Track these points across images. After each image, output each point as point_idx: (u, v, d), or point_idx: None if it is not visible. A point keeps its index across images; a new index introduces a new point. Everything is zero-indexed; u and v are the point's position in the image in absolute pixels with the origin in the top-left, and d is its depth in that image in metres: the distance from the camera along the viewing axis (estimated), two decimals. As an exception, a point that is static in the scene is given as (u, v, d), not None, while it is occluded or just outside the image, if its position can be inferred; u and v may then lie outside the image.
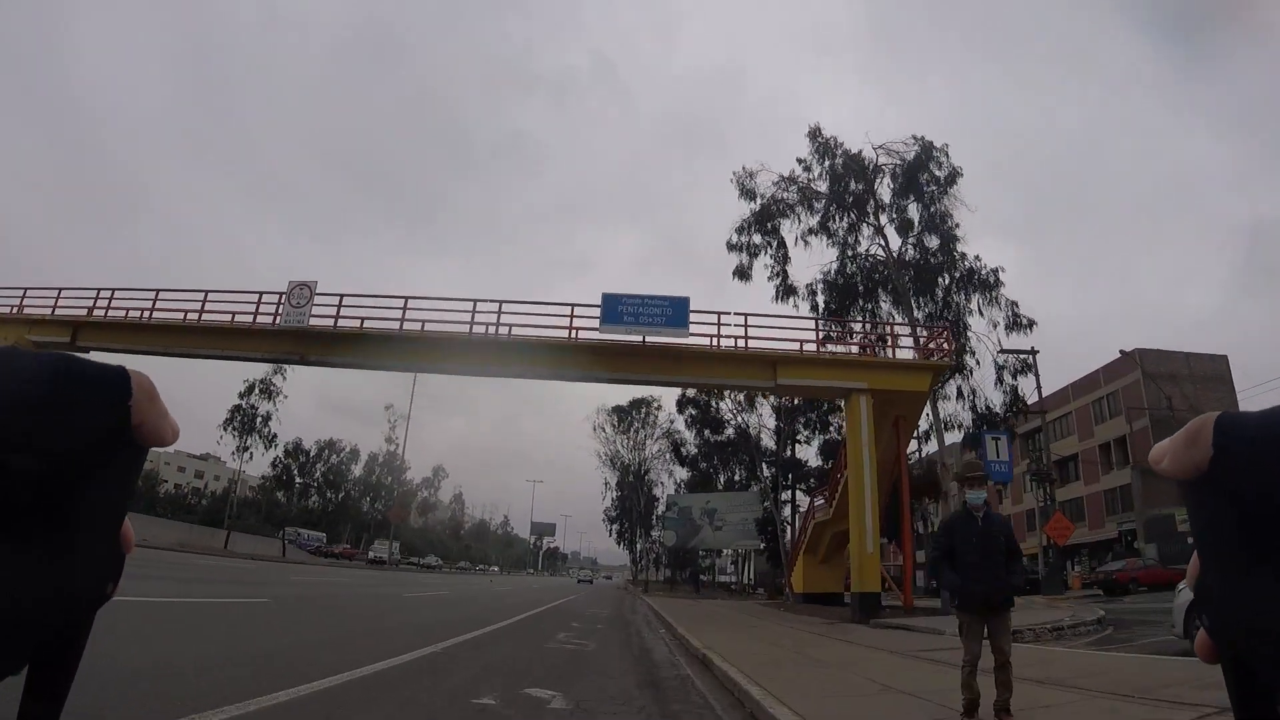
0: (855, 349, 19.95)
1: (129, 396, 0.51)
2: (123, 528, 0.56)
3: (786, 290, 23.09)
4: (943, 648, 9.51)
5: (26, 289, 22.10)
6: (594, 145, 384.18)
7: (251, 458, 38.33)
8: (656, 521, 50.54)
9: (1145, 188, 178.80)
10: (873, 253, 23.83)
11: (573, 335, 17.15)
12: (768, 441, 36.67)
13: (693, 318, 17.07)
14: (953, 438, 23.40)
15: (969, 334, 21.59)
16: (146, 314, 19.96)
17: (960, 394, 21.49)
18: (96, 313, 20.71)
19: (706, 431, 38.38)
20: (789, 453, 34.98)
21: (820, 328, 19.23)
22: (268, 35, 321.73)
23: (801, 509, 35.88)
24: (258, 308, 18.75)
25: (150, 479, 48.64)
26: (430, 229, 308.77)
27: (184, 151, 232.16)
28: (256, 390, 37.75)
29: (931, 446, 28.79)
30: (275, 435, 39.09)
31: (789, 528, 32.78)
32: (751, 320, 17.35)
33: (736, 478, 42.56)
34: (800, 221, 23.16)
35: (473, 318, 17.23)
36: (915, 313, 22.02)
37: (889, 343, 19.10)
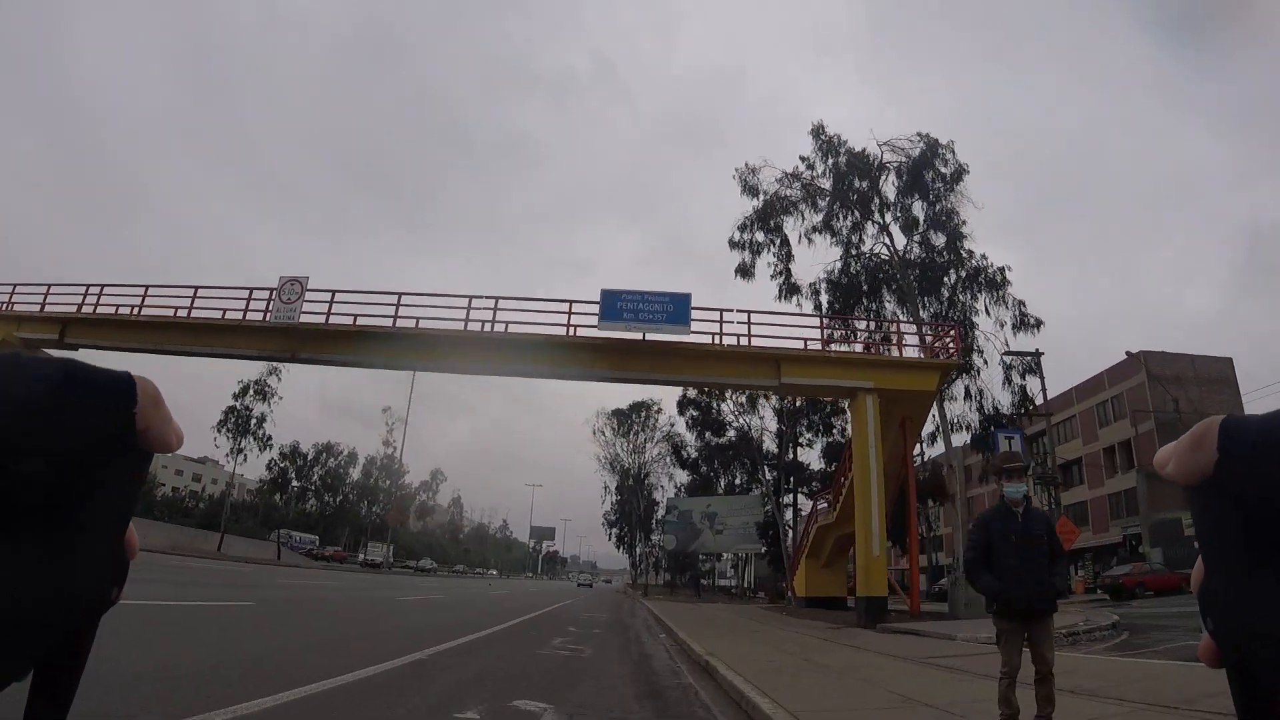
0: (859, 348, 19.55)
1: (134, 403, 0.49)
2: (127, 533, 0.55)
3: (790, 289, 22.71)
4: (955, 654, 9.08)
5: (16, 285, 21.77)
6: (594, 145, 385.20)
7: (246, 460, 37.91)
8: (656, 525, 50.06)
9: (1145, 187, 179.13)
10: (877, 251, 23.47)
11: (570, 333, 16.74)
12: (769, 444, 36.21)
13: (694, 315, 16.65)
14: (958, 440, 22.95)
15: (976, 332, 21.18)
16: (136, 310, 19.57)
17: (968, 393, 21.09)
18: (85, 309, 20.39)
19: (708, 434, 37.89)
20: (791, 456, 34.49)
21: (825, 326, 18.76)
22: (268, 35, 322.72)
23: (803, 512, 35.44)
24: (248, 304, 18.35)
25: (147, 482, 47.98)
26: (430, 229, 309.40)
27: (184, 151, 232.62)
28: (251, 391, 37.34)
29: (935, 450, 28.46)
30: (270, 437, 38.63)
31: (790, 531, 32.29)
32: (755, 317, 16.95)
33: (737, 481, 42.10)
34: (804, 219, 22.82)
35: (468, 314, 16.82)
36: (921, 312, 21.62)
37: (894, 342, 18.70)
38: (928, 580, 32.73)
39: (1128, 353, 35.92)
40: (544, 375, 18.05)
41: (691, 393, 35.81)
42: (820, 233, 22.57)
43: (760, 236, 22.83)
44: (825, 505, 24.07)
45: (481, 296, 16.95)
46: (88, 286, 20.78)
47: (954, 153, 22.56)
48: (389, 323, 17.37)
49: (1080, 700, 5.03)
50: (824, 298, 23.07)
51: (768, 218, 22.67)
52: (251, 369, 38.10)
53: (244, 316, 18.29)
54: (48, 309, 20.84)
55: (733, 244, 23.04)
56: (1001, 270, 22.40)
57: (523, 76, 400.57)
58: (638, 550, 54.60)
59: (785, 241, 22.85)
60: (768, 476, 35.66)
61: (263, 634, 7.69)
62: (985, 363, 21.12)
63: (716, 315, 16.70)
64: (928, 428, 21.26)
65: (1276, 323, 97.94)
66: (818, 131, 23.94)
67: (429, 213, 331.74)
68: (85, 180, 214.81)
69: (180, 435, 0.56)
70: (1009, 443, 12.60)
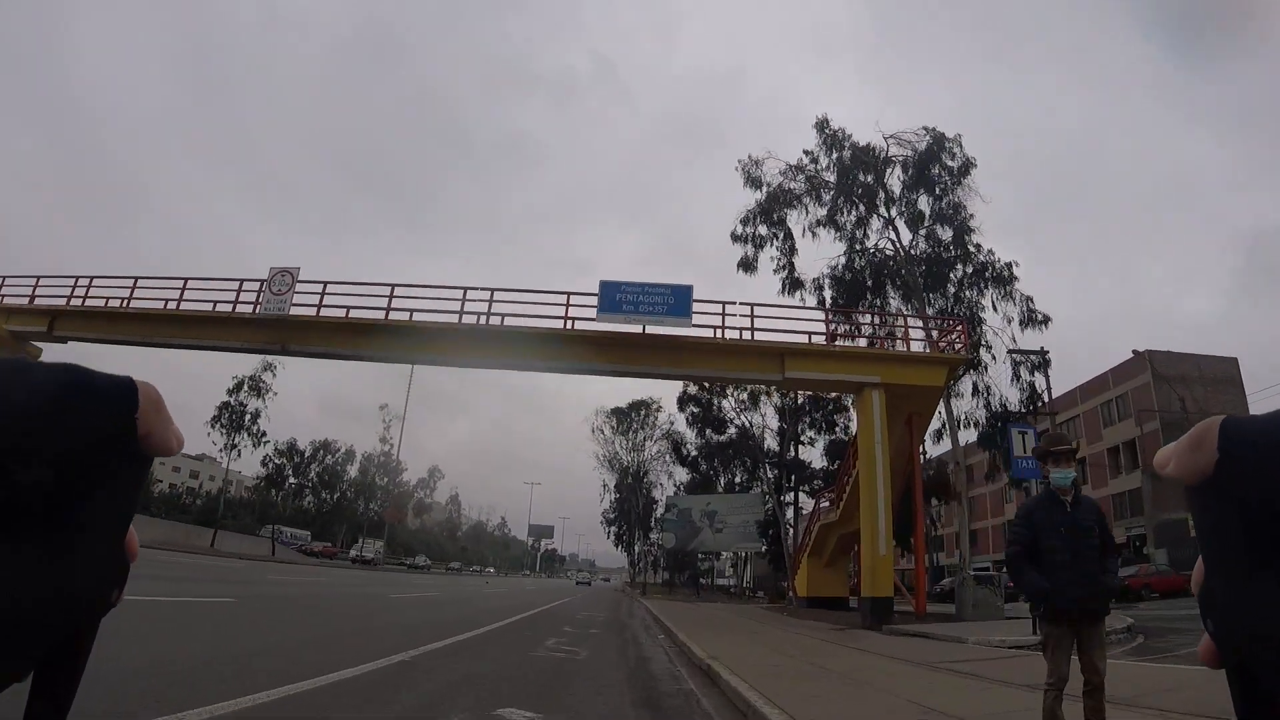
0: (864, 344, 19.11)
1: (135, 408, 0.51)
2: (128, 535, 0.56)
3: (793, 283, 22.26)
4: (970, 658, 8.65)
5: (5, 277, 21.35)
6: (594, 145, 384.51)
7: (240, 455, 37.43)
8: (655, 524, 49.62)
9: (1145, 188, 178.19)
10: (881, 247, 23.03)
11: (569, 325, 16.29)
12: (770, 442, 35.75)
13: (696, 307, 16.24)
14: (966, 437, 22.51)
15: (984, 328, 20.75)
16: (125, 302, 19.16)
17: (976, 390, 20.63)
18: (75, 302, 20.00)
19: (708, 430, 37.37)
20: (792, 454, 34.01)
21: (830, 320, 18.31)
22: (268, 35, 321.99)
23: (804, 511, 34.99)
24: (238, 295, 17.93)
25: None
26: (430, 229, 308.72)
27: (184, 151, 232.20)
28: (246, 387, 36.88)
29: (936, 449, 28.03)
30: (264, 433, 38.15)
31: (791, 530, 31.85)
32: (758, 310, 16.49)
33: (737, 479, 41.65)
34: (808, 212, 22.35)
35: (462, 306, 16.38)
36: (927, 309, 21.18)
37: (901, 337, 18.26)
38: (928, 581, 32.25)
39: (1134, 351, 35.54)
40: (541, 369, 17.61)
41: (692, 389, 35.34)
42: (825, 226, 22.13)
43: (763, 230, 22.39)
44: (827, 504, 23.66)
45: (476, 288, 16.52)
46: (76, 279, 20.42)
47: (961, 146, 22.14)
48: (382, 315, 16.96)
49: (1121, 711, 4.59)
50: (827, 293, 22.64)
51: (771, 211, 22.20)
52: (246, 365, 37.81)
53: (234, 309, 17.88)
54: (37, 301, 20.47)
55: (735, 237, 22.60)
56: (1009, 266, 21.97)
57: (523, 76, 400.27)
58: (636, 549, 54.15)
59: (789, 235, 22.41)
60: (769, 474, 35.20)
61: (241, 632, 7.28)
62: (994, 358, 20.69)
63: (719, 308, 16.28)
64: (933, 425, 20.80)
65: (1278, 326, 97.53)
66: (822, 125, 23.49)
67: (429, 213, 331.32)
68: (85, 180, 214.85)
69: (181, 439, 0.56)
70: (1022, 438, 12.16)
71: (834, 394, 31.05)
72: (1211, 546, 0.46)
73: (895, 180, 22.62)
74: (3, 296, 20.93)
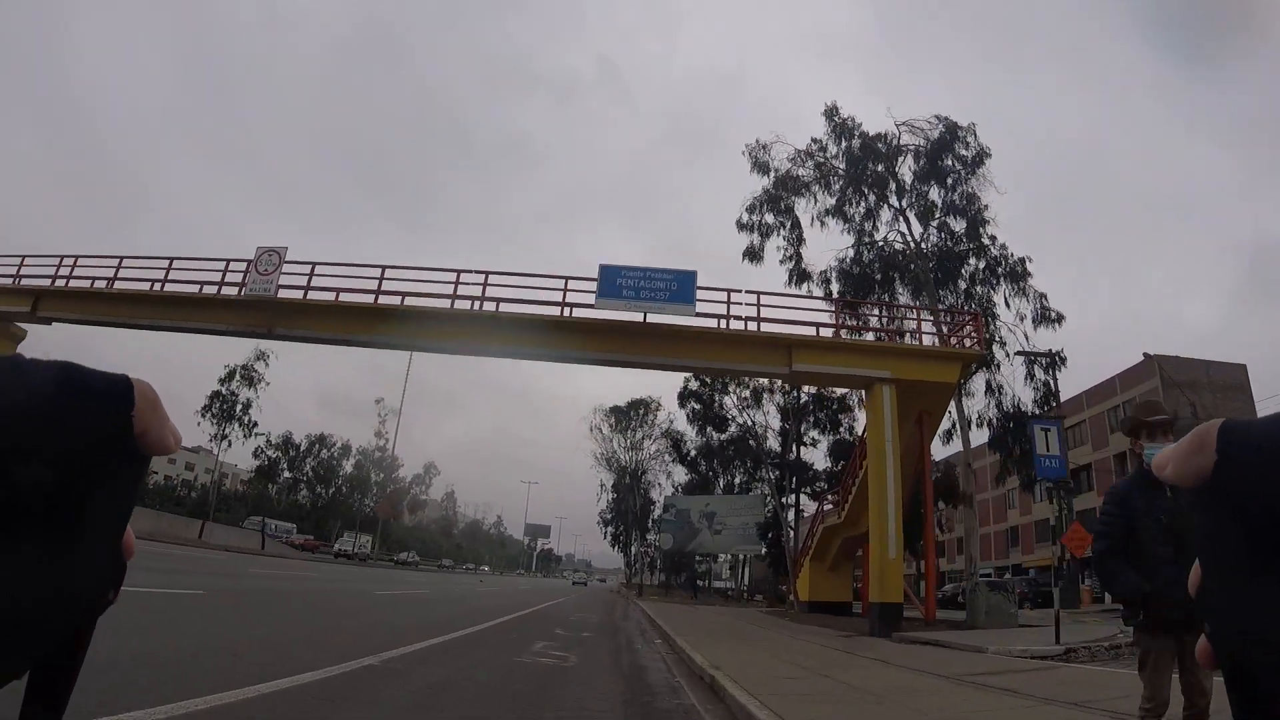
0: (872, 337, 18.39)
1: (131, 406, 0.50)
2: (124, 535, 0.56)
3: (800, 275, 21.53)
4: (999, 670, 7.91)
5: (-13, 257, 20.70)
6: (594, 145, 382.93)
7: (230, 446, 36.68)
8: (653, 525, 48.87)
9: (1146, 192, 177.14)
10: (891, 240, 22.30)
11: (567, 313, 15.55)
12: (772, 443, 34.97)
13: (699, 295, 15.49)
14: (977, 438, 21.75)
15: (998, 323, 20.01)
16: (109, 283, 18.51)
17: (989, 387, 19.88)
18: (59, 282, 19.37)
19: (709, 428, 36.56)
20: (794, 454, 33.20)
21: (839, 312, 17.58)
22: (268, 35, 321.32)
23: (805, 514, 34.22)
24: (223, 276, 17.21)
25: None
26: (430, 229, 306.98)
27: (184, 151, 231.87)
28: (238, 376, 36.13)
29: (943, 451, 27.26)
30: (255, 423, 37.38)
31: (792, 533, 31.08)
32: (765, 299, 15.75)
33: (737, 481, 40.90)
34: (816, 201, 21.61)
35: (455, 289, 15.65)
36: (937, 305, 20.45)
37: (912, 331, 17.54)
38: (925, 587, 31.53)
39: (1145, 355, 34.80)
40: (537, 357, 16.87)
41: (693, 384, 34.57)
42: (833, 216, 21.40)
43: (770, 218, 21.63)
44: (831, 506, 22.93)
45: (470, 271, 15.79)
46: (61, 258, 19.88)
47: (975, 135, 21.41)
48: (372, 299, 16.25)
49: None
50: (835, 286, 21.93)
51: (778, 199, 21.45)
52: (238, 354, 37.11)
53: (219, 290, 17.19)
54: (22, 282, 19.87)
55: (740, 225, 21.86)
56: (1022, 261, 21.26)
57: (523, 77, 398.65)
58: (633, 549, 53.37)
59: (796, 224, 21.68)
60: (770, 475, 34.41)
61: (191, 629, 6.53)
62: (1008, 356, 19.95)
63: (724, 296, 15.53)
64: (942, 425, 20.06)
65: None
66: (830, 113, 22.78)
67: (429, 213, 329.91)
68: (85, 180, 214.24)
69: (178, 438, 0.55)
70: (1045, 435, 11.42)
71: (840, 392, 30.34)
72: (1209, 549, 0.46)
73: (906, 170, 21.92)
74: (-13, 277, 20.31)
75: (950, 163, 21.35)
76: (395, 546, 62.03)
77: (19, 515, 0.46)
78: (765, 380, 31.78)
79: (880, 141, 21.55)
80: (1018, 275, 20.90)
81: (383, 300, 16.16)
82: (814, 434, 32.70)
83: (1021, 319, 20.63)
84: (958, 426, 20.15)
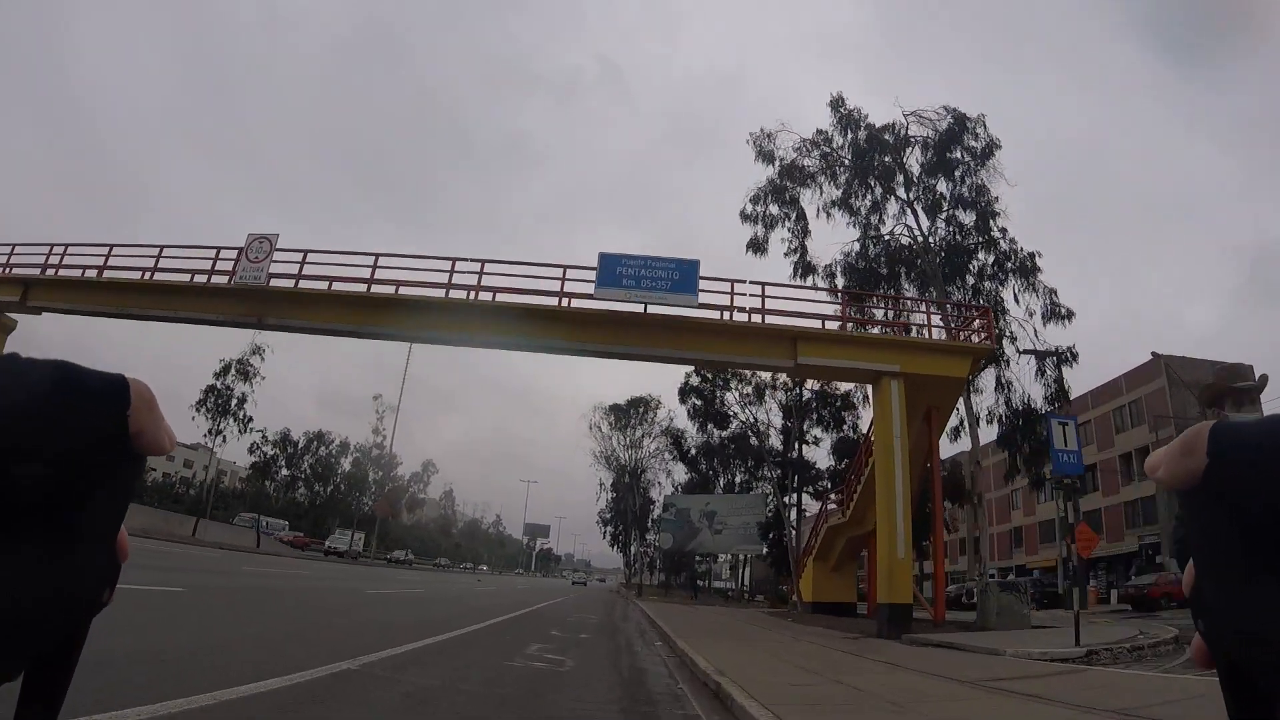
0: (878, 330, 17.91)
1: (127, 405, 0.49)
2: (119, 536, 0.55)
3: (805, 268, 21.07)
4: (1018, 675, 7.43)
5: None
6: (594, 145, 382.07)
7: (224, 441, 36.14)
8: (652, 524, 48.40)
9: (1147, 193, 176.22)
10: (898, 234, 21.83)
11: (565, 303, 15.07)
12: (774, 440, 34.45)
13: (703, 286, 15.00)
14: (985, 435, 21.29)
15: (1008, 317, 19.54)
16: (100, 272, 18.09)
17: (1000, 383, 19.40)
18: (49, 271, 18.96)
19: (710, 425, 36.01)
20: (796, 453, 32.67)
21: (846, 303, 17.10)
22: (268, 35, 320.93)
23: (808, 513, 33.71)
24: (214, 264, 16.73)
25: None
26: (430, 228, 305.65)
27: (184, 151, 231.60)
28: (233, 371, 35.64)
29: (949, 449, 26.77)
30: (250, 418, 36.86)
31: (795, 532, 30.60)
32: (769, 291, 15.26)
33: (737, 480, 40.41)
34: (822, 192, 21.11)
35: (450, 278, 15.17)
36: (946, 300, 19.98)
37: (919, 325, 17.06)
38: (933, 587, 30.98)
39: (1153, 354, 34.28)
40: (534, 349, 16.40)
41: (694, 380, 34.06)
42: (839, 208, 20.90)
43: (774, 209, 21.13)
44: (834, 505, 22.45)
45: (466, 259, 15.31)
46: (51, 246, 19.48)
47: (985, 126, 20.93)
48: (365, 288, 15.79)
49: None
50: (840, 280, 21.44)
51: (783, 189, 20.95)
52: (235, 349, 36.61)
53: (209, 279, 16.72)
54: (12, 271, 19.46)
55: (744, 216, 21.35)
56: (1032, 256, 20.81)
57: (523, 76, 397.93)
58: (632, 549, 52.88)
59: (801, 215, 21.18)
60: (773, 474, 33.89)
61: (172, 629, 6.08)
62: (1018, 351, 19.46)
63: (727, 286, 15.03)
64: (950, 422, 19.59)
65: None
66: (836, 103, 22.31)
67: (429, 213, 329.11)
68: (85, 180, 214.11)
69: (173, 438, 0.53)
70: (1063, 429, 10.93)
71: (844, 389, 29.87)
72: (1202, 549, 0.46)
73: (914, 162, 21.42)
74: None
75: (959, 155, 20.88)
76: (392, 545, 61.48)
77: (19, 515, 0.45)
78: (768, 376, 31.31)
79: (888, 132, 21.07)
80: (1027, 270, 20.44)
81: (376, 289, 15.71)
82: (817, 432, 32.22)
83: (1031, 315, 20.20)
84: (965, 424, 19.67)
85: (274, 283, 16.16)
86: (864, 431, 24.53)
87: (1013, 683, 6.80)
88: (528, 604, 18.03)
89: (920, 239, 21.09)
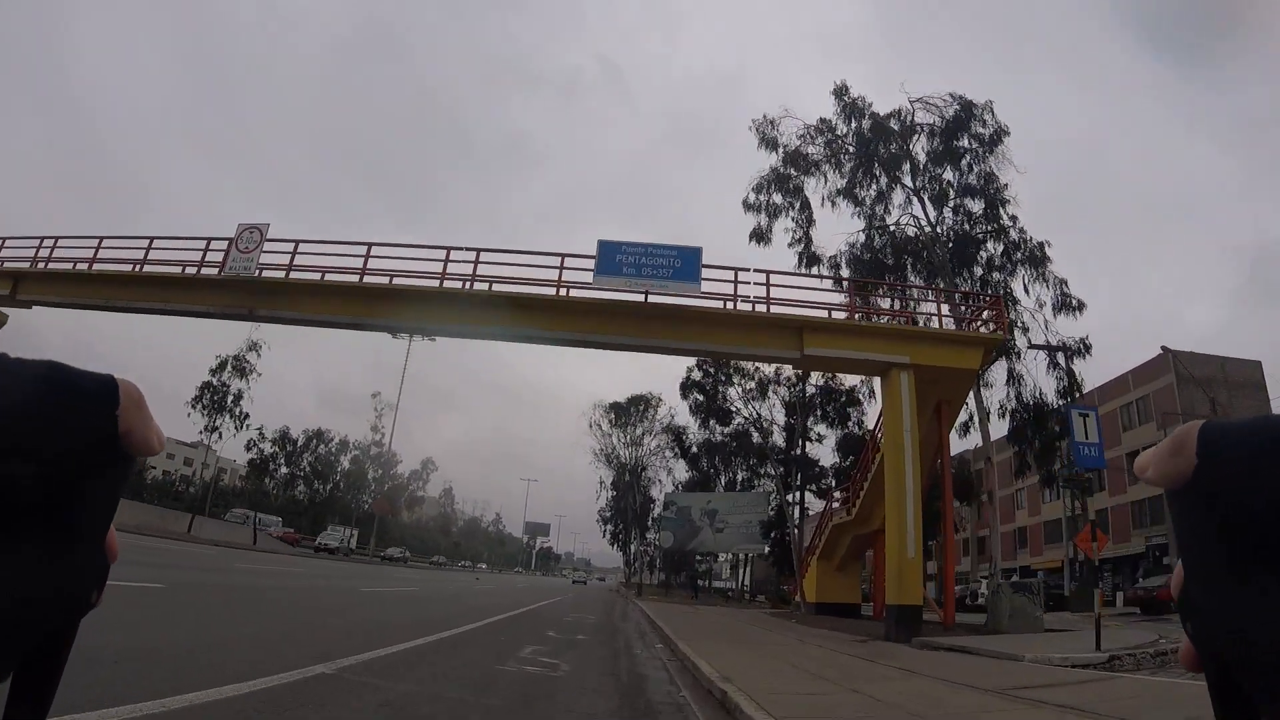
0: (886, 321, 17.43)
1: (116, 405, 0.50)
2: (108, 535, 0.56)
3: (810, 258, 20.58)
4: (1042, 683, 6.96)
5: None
6: (594, 145, 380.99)
7: (220, 438, 35.68)
8: (653, 523, 47.94)
9: (1147, 192, 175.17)
10: (903, 224, 21.33)
11: (564, 293, 14.60)
12: (776, 438, 33.92)
13: (705, 274, 14.53)
14: (996, 430, 20.77)
15: (1018, 308, 19.04)
16: (90, 264, 17.71)
17: (1011, 376, 18.90)
18: (39, 265, 18.61)
19: (712, 421, 35.47)
20: (800, 450, 32.14)
21: (853, 293, 16.62)
22: (268, 35, 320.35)
23: (811, 512, 33.18)
24: (204, 256, 16.29)
25: (139, 467, 46.08)
26: (430, 229, 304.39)
27: (184, 151, 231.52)
28: (229, 367, 35.19)
29: (957, 445, 26.28)
30: (247, 415, 36.42)
31: (798, 531, 30.11)
32: (774, 279, 14.77)
33: (739, 478, 39.90)
34: (827, 180, 20.61)
35: (444, 268, 14.71)
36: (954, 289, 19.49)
37: (929, 315, 16.57)
38: (938, 588, 30.45)
39: (1163, 348, 33.74)
40: (531, 339, 15.92)
41: (696, 374, 33.55)
42: (844, 197, 20.41)
43: (778, 198, 20.63)
44: (839, 503, 21.96)
45: (461, 248, 14.84)
46: (41, 239, 19.13)
47: (993, 113, 20.42)
48: (357, 278, 15.34)
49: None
50: (845, 271, 20.97)
51: (787, 178, 20.45)
52: (230, 344, 36.19)
53: (199, 271, 16.29)
54: (3, 265, 19.15)
55: (747, 206, 20.87)
56: (1042, 245, 20.31)
57: (523, 76, 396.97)
58: (632, 548, 52.41)
59: (806, 204, 20.68)
60: (776, 471, 33.39)
61: (154, 626, 5.64)
62: (1030, 342, 18.97)
63: (731, 275, 14.55)
64: (960, 417, 19.10)
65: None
66: (840, 92, 21.82)
67: (429, 212, 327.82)
68: (85, 180, 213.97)
69: (162, 438, 0.53)
70: (1084, 421, 10.49)
71: (849, 384, 29.34)
72: (1190, 551, 0.46)
73: (920, 150, 20.92)
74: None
75: (967, 142, 20.38)
76: (390, 542, 61.06)
77: (18, 516, 0.45)
78: (771, 370, 30.79)
79: (894, 119, 20.57)
80: (1037, 260, 19.95)
81: (369, 280, 15.26)
82: (821, 428, 31.67)
83: (1041, 306, 19.71)
84: (975, 418, 19.20)
85: (265, 274, 15.75)
86: (870, 428, 24.04)
87: (1039, 691, 6.33)
88: (525, 603, 17.61)
89: (927, 229, 20.59)
